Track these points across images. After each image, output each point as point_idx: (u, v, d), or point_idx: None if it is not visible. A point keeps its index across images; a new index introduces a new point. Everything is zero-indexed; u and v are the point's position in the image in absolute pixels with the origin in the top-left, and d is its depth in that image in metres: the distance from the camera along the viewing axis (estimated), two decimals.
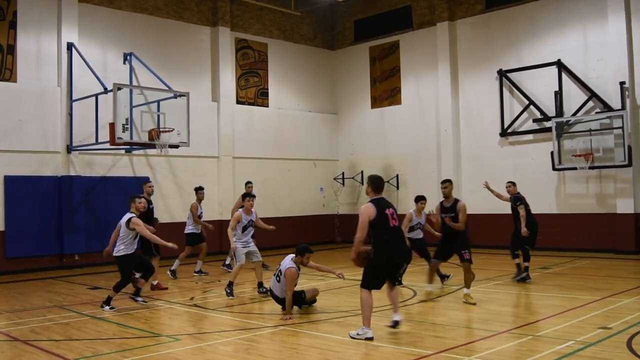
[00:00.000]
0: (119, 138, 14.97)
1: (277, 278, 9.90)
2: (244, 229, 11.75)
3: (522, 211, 12.90)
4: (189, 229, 14.93)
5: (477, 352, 7.16)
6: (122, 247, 10.79)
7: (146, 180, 14.93)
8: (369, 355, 7.38)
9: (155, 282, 12.84)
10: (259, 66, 22.53)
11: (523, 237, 12.75)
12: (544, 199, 18.53)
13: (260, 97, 22.49)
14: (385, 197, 8.40)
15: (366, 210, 7.93)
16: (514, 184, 13.68)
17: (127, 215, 10.87)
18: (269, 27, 22.88)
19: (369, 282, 8.03)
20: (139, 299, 11.12)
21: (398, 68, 22.83)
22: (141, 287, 11.28)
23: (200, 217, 15.04)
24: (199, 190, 15.37)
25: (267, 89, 22.71)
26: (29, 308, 11.05)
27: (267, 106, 22.66)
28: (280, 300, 9.90)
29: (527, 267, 12.76)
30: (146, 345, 8.19)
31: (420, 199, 12.87)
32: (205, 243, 15.15)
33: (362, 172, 23.34)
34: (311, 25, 24.26)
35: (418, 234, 12.69)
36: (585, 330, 8.07)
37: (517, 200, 13.13)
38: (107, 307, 10.51)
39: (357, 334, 7.94)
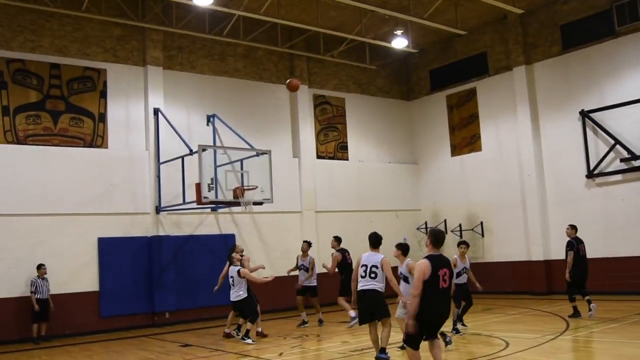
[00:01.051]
0: (205, 197, 15.41)
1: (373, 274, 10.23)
2: None
3: (569, 257, 13.73)
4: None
5: None
6: (241, 292, 13.15)
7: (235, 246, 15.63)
8: None
9: (259, 329, 13.94)
10: (338, 120, 22.97)
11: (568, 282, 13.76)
12: (637, 241, 17.83)
13: (340, 151, 22.87)
14: (442, 254, 7.88)
15: (420, 267, 7.56)
16: (572, 227, 14.37)
17: (235, 267, 13.35)
18: (345, 82, 23.33)
19: (410, 340, 7.67)
20: (248, 339, 12.87)
21: (476, 115, 22.73)
22: (249, 328, 13.09)
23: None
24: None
25: (347, 142, 23.02)
26: None
27: (347, 159, 22.98)
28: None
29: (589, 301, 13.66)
30: None
31: (461, 244, 13.18)
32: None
33: (445, 220, 23.06)
34: (387, 78, 24.54)
35: (463, 279, 12.74)
36: None
37: (567, 245, 14.05)
38: (249, 340, 12.83)
39: None
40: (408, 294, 9.61)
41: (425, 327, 7.59)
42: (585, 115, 19.49)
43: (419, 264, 7.55)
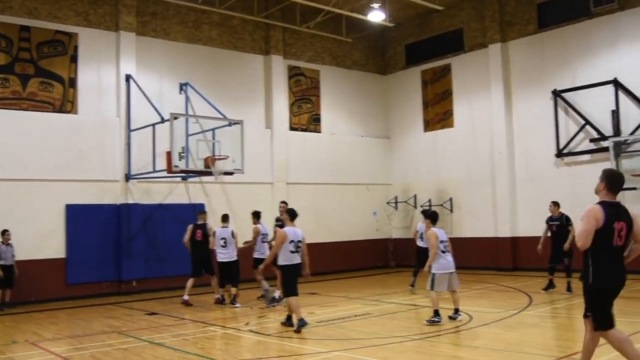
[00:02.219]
0: (176, 166, 15.34)
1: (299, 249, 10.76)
2: None
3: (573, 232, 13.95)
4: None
5: None
6: (234, 254, 14.16)
7: (201, 209, 15.99)
8: None
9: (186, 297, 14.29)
10: (312, 92, 22.81)
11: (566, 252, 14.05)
12: None
13: (313, 123, 22.75)
14: (623, 206, 6.57)
15: (592, 212, 6.20)
16: (556, 203, 14.78)
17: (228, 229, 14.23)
18: (320, 54, 23.14)
19: (600, 318, 6.27)
20: (238, 304, 13.67)
21: (450, 91, 22.80)
22: (235, 293, 13.88)
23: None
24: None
25: (320, 114, 22.93)
26: (89, 333, 11.31)
27: (320, 132, 22.89)
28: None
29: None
30: None
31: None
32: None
33: (415, 195, 23.26)
34: (362, 51, 24.46)
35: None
36: None
37: (569, 219, 14.39)
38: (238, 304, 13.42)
39: None
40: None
41: (606, 298, 6.26)
42: (557, 94, 19.61)
43: (590, 209, 6.21)
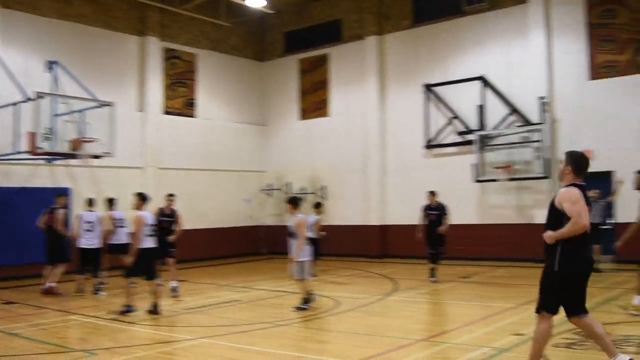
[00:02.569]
0: (39, 148, 14.57)
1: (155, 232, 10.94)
2: None
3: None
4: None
5: None
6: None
7: (62, 192, 14.96)
8: None
9: (51, 285, 13.51)
10: (188, 76, 22.29)
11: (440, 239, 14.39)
12: (466, 210, 18.93)
13: (188, 108, 22.25)
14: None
15: (577, 194, 5.98)
16: (433, 193, 14.87)
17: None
18: (198, 37, 22.64)
19: (550, 303, 6.22)
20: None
21: (327, 81, 23.01)
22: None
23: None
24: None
25: (195, 99, 22.45)
26: None
27: (195, 117, 22.44)
28: None
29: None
30: None
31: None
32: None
33: (289, 183, 23.33)
34: (241, 37, 24.18)
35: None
36: (500, 337, 8.28)
37: (446, 208, 14.66)
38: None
39: None
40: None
41: (576, 283, 6.11)
42: (428, 88, 20.26)
43: (572, 192, 6.00)
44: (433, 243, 14.53)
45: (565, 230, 5.92)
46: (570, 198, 5.95)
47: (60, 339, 9.13)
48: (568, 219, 5.90)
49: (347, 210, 21.56)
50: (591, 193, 15.87)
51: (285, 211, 21.69)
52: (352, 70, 22.22)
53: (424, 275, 14.80)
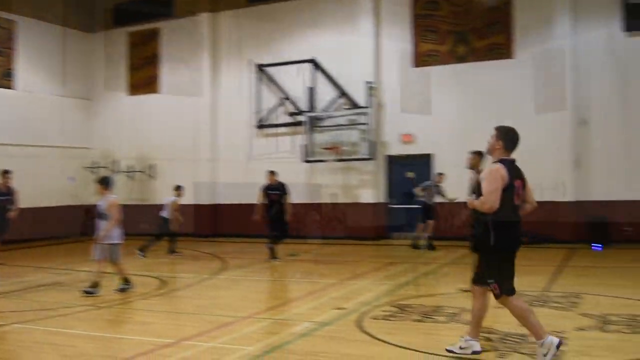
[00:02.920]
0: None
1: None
2: None
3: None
4: None
5: (219, 338, 7.21)
6: None
7: None
8: (107, 347, 7.15)
9: None
10: (5, 45, 20.57)
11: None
12: (295, 189, 19.11)
13: (5, 79, 20.62)
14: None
15: (497, 171, 5.85)
16: (273, 172, 14.89)
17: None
18: (19, 3, 20.86)
19: (506, 283, 5.95)
20: None
21: (157, 56, 22.26)
22: None
23: None
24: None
25: (14, 70, 20.81)
26: None
27: (14, 88, 20.85)
28: None
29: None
30: None
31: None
32: None
33: (116, 160, 22.55)
34: (68, 6, 22.47)
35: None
36: (323, 311, 8.58)
37: (286, 188, 14.69)
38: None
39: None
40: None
41: (507, 259, 5.96)
42: (260, 68, 20.26)
43: (494, 169, 5.87)
44: (276, 223, 14.48)
45: (476, 203, 5.89)
46: (490, 177, 5.85)
47: None
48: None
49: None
50: (409, 174, 16.99)
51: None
52: (184, 47, 21.70)
53: (254, 255, 15.00)
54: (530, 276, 10.62)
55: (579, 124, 16.63)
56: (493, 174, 5.84)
